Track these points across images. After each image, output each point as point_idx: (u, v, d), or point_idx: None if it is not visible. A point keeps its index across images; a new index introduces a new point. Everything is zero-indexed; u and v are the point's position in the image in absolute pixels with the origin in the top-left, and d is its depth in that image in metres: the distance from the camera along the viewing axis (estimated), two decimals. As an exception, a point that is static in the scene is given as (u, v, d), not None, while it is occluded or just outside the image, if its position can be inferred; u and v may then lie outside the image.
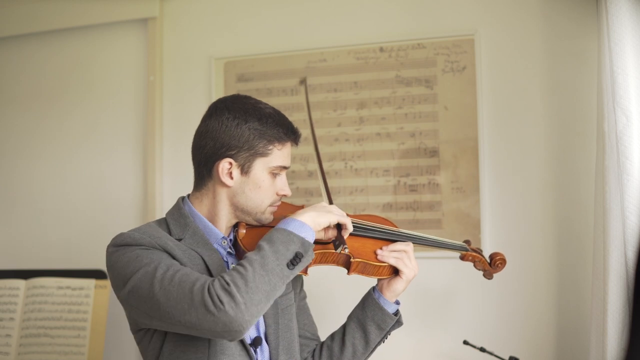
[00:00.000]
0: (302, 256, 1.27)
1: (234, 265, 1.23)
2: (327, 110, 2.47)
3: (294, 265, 1.26)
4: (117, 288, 1.36)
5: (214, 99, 2.54)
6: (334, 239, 1.43)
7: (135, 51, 2.70)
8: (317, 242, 1.52)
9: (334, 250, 1.48)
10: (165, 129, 2.65)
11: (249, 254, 1.26)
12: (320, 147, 2.45)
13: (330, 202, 1.48)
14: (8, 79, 2.86)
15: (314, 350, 1.63)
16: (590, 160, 2.14)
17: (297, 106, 2.49)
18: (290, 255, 1.26)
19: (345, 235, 1.42)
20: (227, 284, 1.20)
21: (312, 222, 1.33)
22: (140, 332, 1.43)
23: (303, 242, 1.28)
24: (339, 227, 1.42)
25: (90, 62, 2.75)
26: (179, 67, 2.66)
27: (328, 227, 1.41)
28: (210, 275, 1.39)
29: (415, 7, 2.41)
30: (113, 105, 2.71)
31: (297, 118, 2.46)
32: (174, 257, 1.36)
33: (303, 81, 1.58)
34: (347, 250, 1.40)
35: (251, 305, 1.19)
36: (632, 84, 1.83)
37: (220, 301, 1.18)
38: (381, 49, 2.42)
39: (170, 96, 2.66)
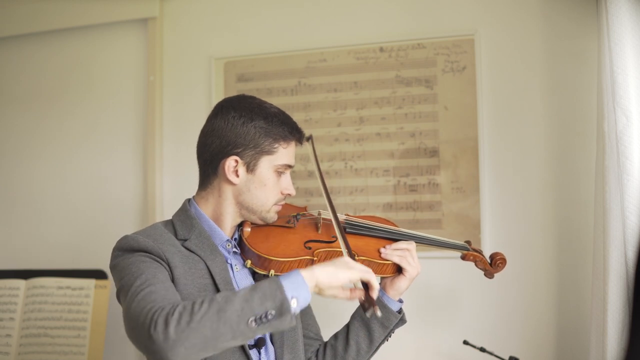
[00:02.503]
0: (273, 318, 1.14)
1: (199, 299, 1.18)
2: (327, 110, 2.47)
3: (257, 324, 1.13)
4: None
5: (214, 99, 2.56)
6: (362, 301, 1.30)
7: (135, 51, 2.70)
8: (320, 240, 1.52)
9: (339, 249, 1.49)
10: (165, 129, 2.65)
11: (222, 293, 1.19)
12: (320, 147, 2.46)
13: (352, 257, 1.41)
14: (8, 79, 2.86)
15: (318, 350, 1.64)
16: (590, 160, 2.14)
17: (297, 106, 2.49)
18: (259, 312, 1.13)
19: (374, 295, 1.29)
20: (172, 314, 1.15)
21: (326, 278, 1.22)
22: None
23: (282, 303, 1.14)
24: (365, 286, 1.30)
25: (91, 62, 2.75)
26: (179, 67, 2.66)
27: (354, 289, 1.30)
28: (213, 280, 1.40)
29: (415, 7, 2.41)
30: (113, 105, 2.71)
31: (297, 118, 2.45)
32: (170, 265, 1.37)
33: (310, 138, 1.60)
34: (379, 314, 1.27)
35: (180, 345, 1.12)
36: (632, 84, 1.83)
37: (155, 329, 1.14)
38: (381, 49, 2.42)
39: (170, 96, 2.66)
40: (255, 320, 1.13)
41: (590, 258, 2.08)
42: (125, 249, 1.38)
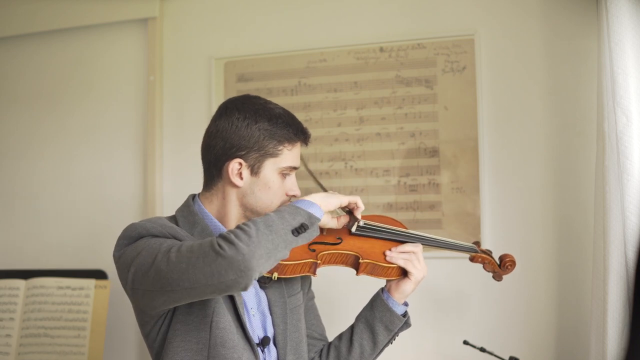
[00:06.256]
0: (307, 227, 1.30)
1: (240, 224, 1.27)
2: (327, 110, 2.47)
3: (298, 233, 1.29)
4: (123, 278, 1.35)
5: (214, 99, 2.56)
6: (347, 222, 1.50)
7: (135, 51, 2.70)
8: (324, 242, 1.52)
9: (343, 251, 1.49)
10: (165, 129, 2.65)
11: (254, 218, 1.29)
12: (320, 147, 2.47)
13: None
14: (8, 79, 2.86)
15: (322, 351, 1.63)
16: (590, 160, 2.14)
17: (297, 106, 2.49)
18: (295, 224, 1.29)
19: (358, 214, 1.49)
20: (230, 234, 1.22)
21: (322, 202, 1.38)
22: (147, 326, 1.43)
23: (310, 215, 1.32)
24: (349, 212, 1.50)
25: (91, 62, 2.75)
26: (179, 67, 2.66)
27: (339, 216, 1.50)
28: None
29: (415, 7, 2.41)
30: (113, 105, 2.71)
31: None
32: None
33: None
34: (362, 223, 1.49)
35: (251, 257, 1.20)
36: (632, 84, 1.83)
37: (222, 247, 1.20)
38: (381, 49, 2.42)
39: (170, 96, 2.66)
40: (297, 230, 1.29)
41: (590, 258, 2.08)
42: (133, 236, 1.36)
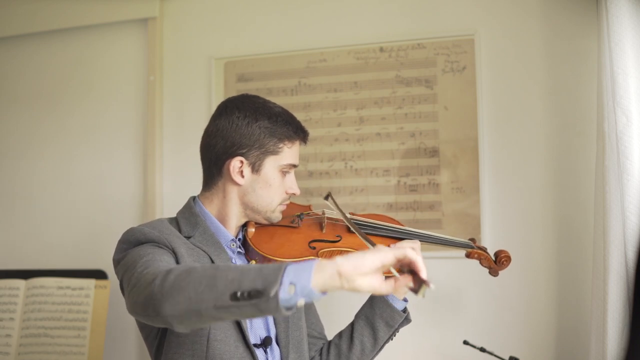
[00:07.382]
0: (257, 296, 1.01)
1: (206, 265, 1.19)
2: (327, 110, 2.47)
3: (238, 299, 1.02)
4: (119, 282, 1.38)
5: (214, 99, 2.56)
6: (412, 287, 1.09)
7: (135, 51, 2.70)
8: (324, 240, 1.52)
9: (342, 249, 1.49)
10: (165, 129, 2.65)
11: (233, 264, 1.20)
12: (320, 147, 2.46)
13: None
14: (8, 79, 2.86)
15: (322, 349, 1.64)
16: (590, 160, 2.14)
17: (297, 106, 2.49)
18: (246, 287, 1.02)
19: (423, 275, 1.08)
20: (170, 271, 1.12)
21: (350, 264, 1.02)
22: (144, 330, 1.45)
23: (267, 285, 1.00)
24: (411, 272, 1.11)
25: (91, 62, 2.75)
26: (179, 67, 2.66)
27: (396, 278, 1.10)
28: None
29: (415, 7, 2.41)
30: (113, 105, 2.71)
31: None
32: (177, 255, 1.36)
33: (328, 196, 1.53)
34: (433, 287, 1.05)
35: (166, 301, 1.09)
36: (632, 84, 1.83)
37: (153, 281, 1.12)
38: (381, 49, 2.42)
39: (170, 96, 2.66)
40: (245, 295, 1.01)
41: (590, 258, 2.08)
42: (131, 241, 1.37)
